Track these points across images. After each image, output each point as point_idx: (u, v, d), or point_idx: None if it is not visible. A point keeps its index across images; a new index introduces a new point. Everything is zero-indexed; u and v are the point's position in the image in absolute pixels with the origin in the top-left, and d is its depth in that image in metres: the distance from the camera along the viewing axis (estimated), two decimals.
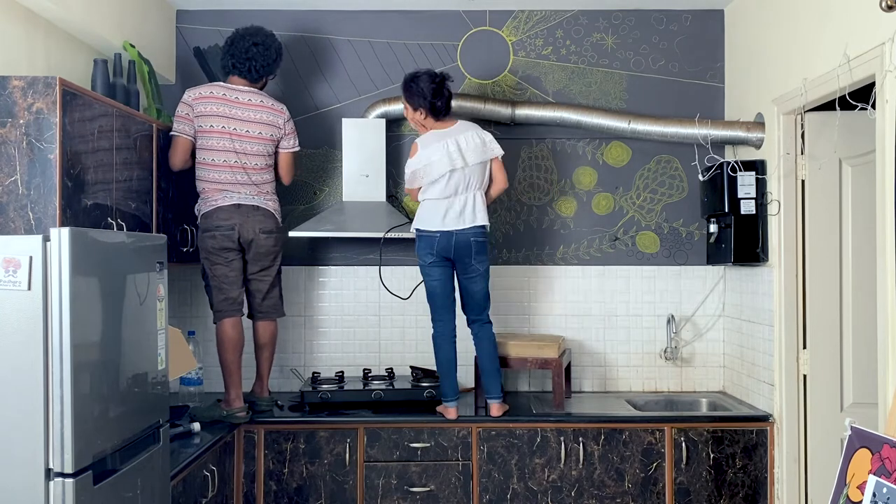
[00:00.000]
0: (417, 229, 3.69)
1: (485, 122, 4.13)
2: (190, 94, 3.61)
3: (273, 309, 3.84)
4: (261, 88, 3.76)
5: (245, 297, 3.76)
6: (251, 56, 3.65)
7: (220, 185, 3.61)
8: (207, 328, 4.19)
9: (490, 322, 3.77)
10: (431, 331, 3.79)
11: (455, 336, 3.78)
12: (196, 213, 3.71)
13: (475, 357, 3.93)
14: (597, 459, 3.71)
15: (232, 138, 3.60)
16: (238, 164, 3.61)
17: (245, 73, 3.68)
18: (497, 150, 3.69)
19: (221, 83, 3.67)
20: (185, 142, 3.60)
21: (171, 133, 3.60)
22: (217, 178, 3.61)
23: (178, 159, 3.61)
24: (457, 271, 3.72)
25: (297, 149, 3.84)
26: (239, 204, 3.62)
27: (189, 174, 3.79)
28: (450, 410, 3.72)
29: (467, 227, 3.61)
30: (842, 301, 3.55)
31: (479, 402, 3.92)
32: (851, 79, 2.96)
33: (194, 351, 3.95)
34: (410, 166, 3.68)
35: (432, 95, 3.62)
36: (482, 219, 3.65)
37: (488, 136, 3.70)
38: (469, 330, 3.81)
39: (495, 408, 3.72)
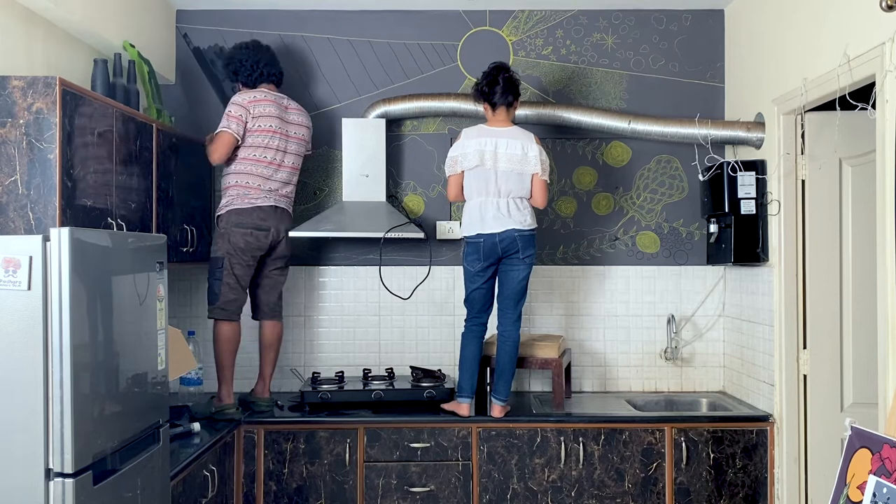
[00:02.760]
0: (465, 236, 3.70)
1: (484, 121, 4.12)
2: (244, 98, 3.67)
3: (280, 310, 3.91)
4: None
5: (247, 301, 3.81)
6: (277, 63, 3.85)
7: (265, 180, 3.67)
8: (207, 328, 4.18)
9: (520, 322, 3.74)
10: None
11: (484, 335, 3.78)
12: (222, 206, 3.70)
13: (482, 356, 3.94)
14: (597, 459, 3.71)
15: (282, 138, 3.72)
16: (285, 164, 3.74)
17: (279, 80, 3.86)
18: (536, 168, 3.61)
19: (264, 88, 3.78)
20: (232, 140, 3.63)
21: (221, 129, 3.63)
22: (265, 172, 3.67)
23: (223, 154, 3.64)
24: (500, 265, 3.69)
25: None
26: (276, 206, 3.71)
27: (190, 174, 3.79)
28: (462, 406, 3.72)
29: (506, 228, 3.60)
30: (842, 301, 3.55)
31: (479, 402, 3.92)
32: (851, 79, 2.96)
33: (194, 351, 3.95)
34: (451, 152, 3.71)
35: (485, 83, 3.65)
36: (522, 222, 3.61)
37: (535, 152, 3.61)
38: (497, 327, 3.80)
39: (497, 409, 3.72)
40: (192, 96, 4.28)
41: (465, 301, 3.77)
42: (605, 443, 3.72)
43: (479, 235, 3.63)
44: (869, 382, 3.29)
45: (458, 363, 3.85)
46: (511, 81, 3.64)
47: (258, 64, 3.78)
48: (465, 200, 3.76)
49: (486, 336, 3.83)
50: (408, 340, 4.35)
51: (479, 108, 3.86)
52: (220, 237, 3.67)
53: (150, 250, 2.67)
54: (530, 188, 3.66)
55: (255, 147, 3.66)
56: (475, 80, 4.29)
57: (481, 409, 3.83)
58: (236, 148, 3.67)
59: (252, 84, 3.79)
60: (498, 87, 3.62)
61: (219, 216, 3.72)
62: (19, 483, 2.18)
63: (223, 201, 3.71)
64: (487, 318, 3.78)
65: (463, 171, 3.66)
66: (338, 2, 4.25)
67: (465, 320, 3.79)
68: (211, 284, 3.69)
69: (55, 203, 2.63)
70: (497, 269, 3.71)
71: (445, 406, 3.80)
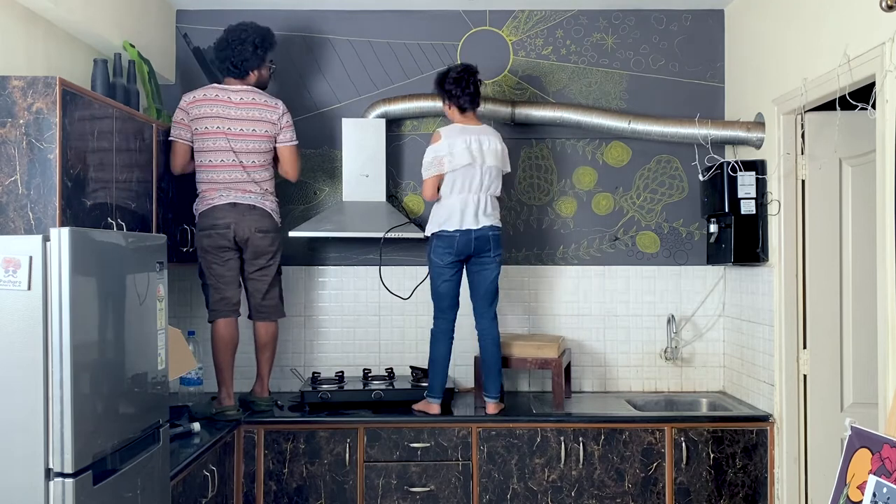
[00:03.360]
0: (438, 230, 3.71)
1: (485, 121, 4.13)
2: (185, 99, 3.66)
3: (273, 310, 3.84)
4: (257, 83, 3.77)
5: (242, 298, 3.78)
6: (230, 54, 3.70)
7: (218, 184, 3.64)
8: (208, 328, 4.18)
9: (496, 320, 3.78)
10: (431, 327, 3.80)
11: (453, 335, 3.80)
12: (194, 212, 3.73)
13: (475, 357, 3.94)
14: (597, 459, 3.71)
15: (228, 138, 3.62)
16: (236, 163, 3.64)
17: (232, 72, 3.73)
18: (507, 167, 3.85)
19: (216, 84, 3.71)
20: (183, 147, 3.64)
21: (170, 139, 3.64)
22: (216, 177, 3.63)
23: (177, 163, 3.66)
24: (468, 266, 3.76)
25: (296, 143, 3.82)
26: (235, 203, 3.64)
27: (190, 174, 3.79)
28: (432, 406, 3.75)
29: (482, 225, 3.67)
30: (842, 301, 3.55)
31: (478, 401, 3.92)
32: (851, 79, 2.96)
33: (194, 351, 3.95)
34: (434, 151, 3.70)
35: (455, 87, 3.72)
36: (496, 221, 3.73)
37: (506, 151, 3.83)
38: (473, 328, 3.84)
39: (491, 406, 3.74)
40: None
41: (433, 295, 3.78)
42: (605, 443, 3.72)
43: (456, 231, 3.66)
44: (869, 382, 3.29)
45: (428, 363, 3.83)
46: (478, 86, 3.78)
47: (217, 59, 3.73)
48: (438, 199, 3.77)
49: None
50: (408, 340, 4.35)
51: (438, 97, 3.89)
52: (196, 242, 3.72)
53: (150, 250, 2.67)
54: (500, 184, 3.80)
55: (202, 151, 3.63)
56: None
57: (480, 409, 3.84)
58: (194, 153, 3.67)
59: (220, 76, 3.76)
60: (469, 93, 3.73)
61: (195, 222, 3.76)
62: (19, 483, 2.17)
63: (193, 206, 3.74)
64: (455, 317, 3.79)
65: (445, 173, 3.69)
66: (338, 2, 4.25)
67: (434, 317, 3.80)
68: (203, 290, 3.76)
69: (55, 203, 2.63)
70: (463, 268, 3.76)
71: (416, 406, 3.81)
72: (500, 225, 3.76)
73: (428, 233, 3.79)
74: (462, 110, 3.75)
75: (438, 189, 3.74)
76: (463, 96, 3.72)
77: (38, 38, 3.13)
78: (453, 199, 3.68)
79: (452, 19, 4.36)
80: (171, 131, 3.64)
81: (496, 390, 3.75)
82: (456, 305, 3.79)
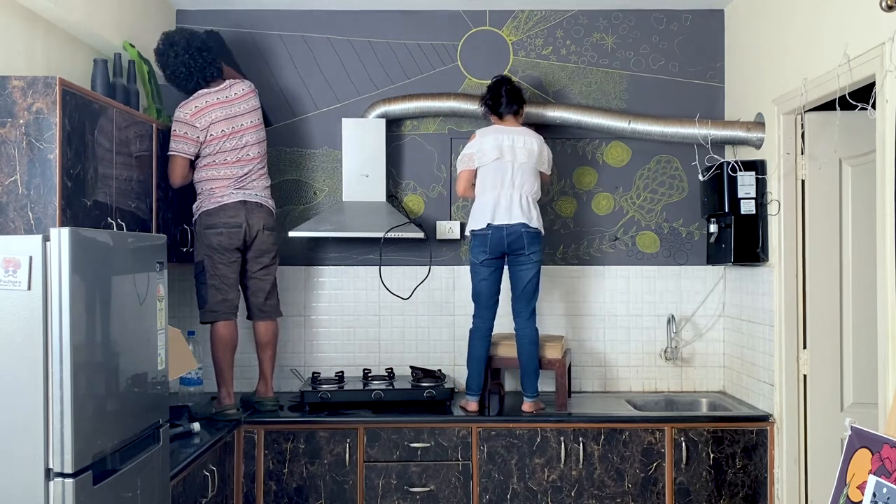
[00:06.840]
0: (472, 230, 3.77)
1: (485, 121, 4.13)
2: (185, 112, 3.57)
3: (274, 309, 3.85)
4: None
5: (240, 299, 3.77)
6: (209, 61, 3.64)
7: (228, 180, 3.62)
8: (208, 328, 4.18)
9: (534, 319, 3.80)
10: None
11: (491, 334, 3.84)
12: (195, 210, 3.69)
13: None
14: (597, 459, 3.71)
15: (236, 136, 3.64)
16: (245, 158, 3.66)
17: (218, 75, 3.69)
18: (548, 170, 3.90)
19: (205, 89, 3.65)
20: (185, 161, 3.60)
21: (171, 153, 3.57)
22: (228, 173, 3.63)
23: (178, 176, 3.61)
24: (508, 263, 3.79)
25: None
26: (245, 201, 3.64)
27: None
28: (471, 404, 3.80)
29: (515, 222, 3.69)
30: (842, 301, 3.55)
31: (481, 401, 3.92)
32: (851, 79, 2.96)
33: (194, 351, 3.95)
34: (466, 148, 3.82)
35: (489, 97, 3.85)
36: (531, 219, 3.71)
37: (548, 152, 3.87)
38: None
39: (528, 405, 3.77)
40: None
41: (472, 295, 3.83)
42: (605, 443, 3.72)
43: (488, 227, 3.69)
44: (869, 382, 3.29)
45: (466, 361, 3.86)
46: (513, 92, 3.84)
47: (192, 71, 3.60)
48: (472, 197, 3.83)
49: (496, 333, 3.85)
50: (408, 340, 4.35)
51: (479, 108, 3.95)
52: (197, 241, 3.66)
53: (150, 250, 2.67)
54: (538, 186, 3.81)
55: (211, 155, 3.61)
56: (474, 79, 4.32)
57: (484, 409, 3.84)
58: (196, 157, 3.64)
59: (193, 90, 3.63)
60: (502, 99, 3.82)
61: (194, 220, 3.71)
62: (19, 483, 2.17)
63: (195, 205, 3.70)
64: (494, 316, 3.82)
65: (476, 168, 3.76)
66: (338, 2, 4.25)
67: (473, 316, 3.83)
68: (198, 289, 3.67)
69: (55, 203, 2.63)
70: (502, 267, 3.79)
71: (460, 403, 3.86)
72: (536, 226, 3.71)
73: (467, 232, 3.84)
74: (499, 116, 3.84)
75: (474, 186, 3.81)
76: (496, 104, 3.82)
77: (38, 38, 3.13)
78: (486, 196, 3.74)
79: (452, 19, 4.36)
80: (172, 145, 3.56)
81: (533, 389, 3.78)
82: (494, 305, 3.81)
